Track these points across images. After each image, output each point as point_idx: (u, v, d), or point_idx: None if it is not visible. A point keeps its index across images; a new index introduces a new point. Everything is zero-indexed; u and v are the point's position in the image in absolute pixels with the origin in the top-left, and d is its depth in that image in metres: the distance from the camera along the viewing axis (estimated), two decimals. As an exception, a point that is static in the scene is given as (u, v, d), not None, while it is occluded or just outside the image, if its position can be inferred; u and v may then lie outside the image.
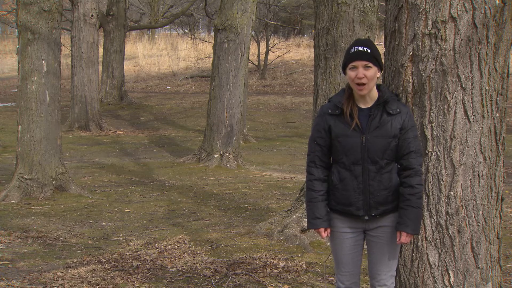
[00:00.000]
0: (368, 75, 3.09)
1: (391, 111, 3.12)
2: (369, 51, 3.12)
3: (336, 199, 3.22)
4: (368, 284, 3.43)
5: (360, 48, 3.13)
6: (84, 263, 5.29)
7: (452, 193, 3.20)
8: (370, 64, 3.10)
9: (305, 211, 5.94)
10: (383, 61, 3.36)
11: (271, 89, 23.54)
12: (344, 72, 3.20)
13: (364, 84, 3.09)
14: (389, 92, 3.21)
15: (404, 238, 3.14)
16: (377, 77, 3.17)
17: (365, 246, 3.37)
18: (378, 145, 3.10)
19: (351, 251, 3.28)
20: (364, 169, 3.13)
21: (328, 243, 3.40)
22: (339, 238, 3.28)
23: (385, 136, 3.10)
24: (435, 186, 3.22)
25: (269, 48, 25.51)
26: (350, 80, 3.14)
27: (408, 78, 3.25)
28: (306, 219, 3.37)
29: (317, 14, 6.07)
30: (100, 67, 17.55)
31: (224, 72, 11.09)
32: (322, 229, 3.25)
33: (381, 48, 3.24)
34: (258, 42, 24.98)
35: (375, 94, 3.17)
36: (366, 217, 3.19)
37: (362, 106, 3.17)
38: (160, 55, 30.52)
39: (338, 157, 3.18)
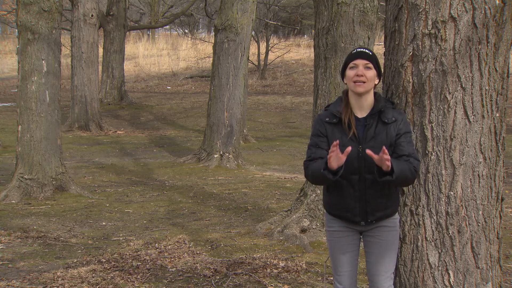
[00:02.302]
0: (368, 75, 3.09)
1: (386, 120, 3.11)
2: (370, 53, 3.16)
3: (333, 205, 3.22)
4: (367, 284, 3.42)
5: (362, 49, 3.19)
6: (84, 263, 5.29)
7: (452, 193, 3.20)
8: (371, 65, 3.11)
9: (305, 211, 5.99)
10: (383, 61, 3.36)
11: (271, 89, 23.54)
12: (343, 77, 3.20)
13: (362, 82, 3.09)
14: (385, 100, 3.21)
15: (385, 154, 2.91)
16: (375, 84, 3.16)
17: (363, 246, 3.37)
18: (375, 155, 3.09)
19: (348, 251, 3.29)
20: (361, 178, 3.12)
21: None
22: (336, 238, 3.28)
23: (381, 146, 3.08)
24: (435, 186, 3.22)
25: (269, 48, 25.51)
26: (348, 80, 3.14)
27: (408, 78, 3.25)
28: (323, 173, 3.05)
29: (317, 14, 6.07)
30: (100, 67, 17.55)
31: (224, 72, 11.09)
32: (336, 151, 2.95)
33: (381, 48, 3.24)
34: (258, 42, 24.97)
35: (371, 101, 3.17)
36: (363, 223, 3.20)
37: (359, 115, 3.16)
38: (160, 55, 30.52)
39: None
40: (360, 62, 3.11)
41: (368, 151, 2.96)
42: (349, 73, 3.13)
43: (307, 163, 3.21)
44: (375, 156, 2.94)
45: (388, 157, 2.93)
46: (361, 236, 3.31)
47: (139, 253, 5.56)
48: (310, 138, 3.27)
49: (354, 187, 3.14)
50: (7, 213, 7.20)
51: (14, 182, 8.06)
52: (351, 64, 3.13)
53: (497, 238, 3.34)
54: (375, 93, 3.20)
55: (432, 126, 3.21)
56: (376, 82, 3.17)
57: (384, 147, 2.93)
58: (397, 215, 3.25)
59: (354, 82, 3.10)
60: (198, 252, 5.63)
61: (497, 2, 3.14)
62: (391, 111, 3.15)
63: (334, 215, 3.25)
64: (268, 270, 5.04)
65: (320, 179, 3.13)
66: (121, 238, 6.19)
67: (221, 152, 11.09)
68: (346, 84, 3.19)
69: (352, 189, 3.14)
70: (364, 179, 3.12)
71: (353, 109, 3.17)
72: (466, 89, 3.16)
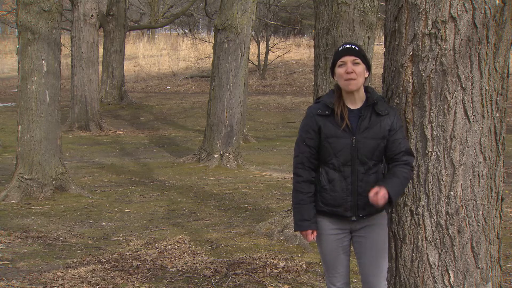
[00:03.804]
0: (357, 70, 3.11)
1: (380, 112, 3.14)
2: (356, 48, 3.17)
3: (324, 201, 3.20)
4: (360, 281, 3.42)
5: (347, 45, 3.19)
6: (84, 263, 5.29)
7: (452, 193, 3.20)
8: (358, 60, 3.13)
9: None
10: (383, 61, 3.36)
11: (271, 89, 23.54)
12: (333, 75, 3.22)
13: (353, 79, 3.10)
14: (377, 93, 3.24)
15: (381, 192, 3.03)
16: (366, 78, 3.18)
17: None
18: (368, 146, 3.12)
19: (339, 253, 3.28)
20: (354, 170, 3.13)
21: (307, 242, 3.40)
22: (327, 240, 3.27)
23: (375, 137, 3.12)
24: (435, 186, 3.22)
25: (269, 48, 25.51)
26: (339, 77, 3.16)
27: (408, 78, 3.25)
28: (293, 221, 3.33)
29: (317, 14, 6.07)
30: (100, 67, 17.56)
31: (224, 72, 11.09)
32: (309, 231, 3.24)
33: (381, 48, 3.24)
34: (258, 42, 24.97)
35: (363, 94, 3.19)
36: (354, 218, 3.19)
37: (351, 107, 3.18)
38: (160, 55, 30.52)
39: (327, 158, 3.18)
40: (348, 59, 3.12)
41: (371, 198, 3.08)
42: (339, 71, 3.15)
43: (296, 171, 3.26)
44: (371, 196, 3.07)
45: (378, 195, 3.03)
46: (351, 237, 3.30)
47: (139, 253, 5.56)
48: (299, 132, 3.28)
49: (347, 179, 3.14)
50: (7, 213, 7.20)
51: (14, 182, 8.06)
52: (339, 62, 3.15)
53: (497, 238, 3.35)
54: (367, 87, 3.22)
55: (432, 126, 3.21)
56: (366, 76, 3.18)
57: (375, 190, 3.05)
58: (384, 212, 3.26)
59: (345, 80, 3.12)
60: (198, 252, 5.63)
61: (497, 2, 3.14)
62: (384, 104, 3.19)
63: (324, 213, 3.23)
64: (268, 270, 5.04)
65: (294, 208, 3.30)
66: (121, 238, 6.19)
67: (221, 152, 11.09)
68: (337, 81, 3.21)
69: (344, 181, 3.15)
70: (356, 171, 3.13)
71: (345, 101, 3.19)
72: (466, 89, 3.16)
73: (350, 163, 3.13)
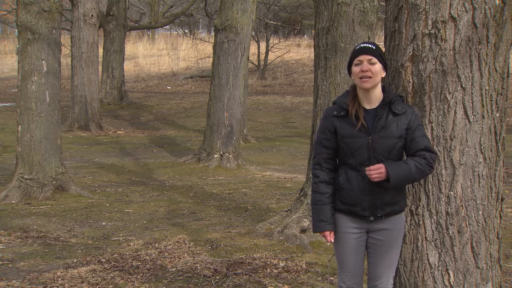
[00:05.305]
0: (373, 69, 3.10)
1: (396, 111, 3.12)
2: (373, 47, 3.16)
3: (342, 199, 3.21)
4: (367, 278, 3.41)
5: (364, 44, 3.18)
6: (84, 263, 5.29)
7: (452, 193, 3.20)
8: (375, 60, 3.12)
9: (305, 211, 5.98)
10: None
11: (271, 89, 23.54)
12: (350, 73, 3.22)
13: (369, 77, 3.09)
14: (394, 93, 3.22)
15: (377, 166, 3.05)
16: (382, 77, 3.17)
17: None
18: (384, 146, 3.11)
19: (354, 252, 3.28)
20: None
21: (328, 243, 3.38)
22: (343, 238, 3.27)
23: (391, 136, 3.11)
24: (435, 186, 3.22)
25: (269, 48, 25.51)
26: (355, 76, 3.15)
27: (408, 78, 3.25)
28: (312, 222, 3.35)
29: (317, 14, 6.07)
30: (100, 67, 17.56)
31: (224, 72, 11.09)
32: (327, 233, 3.25)
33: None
34: (258, 42, 24.98)
35: (380, 94, 3.17)
36: (372, 218, 3.18)
37: (367, 106, 3.17)
38: (160, 55, 30.52)
39: (345, 158, 3.19)
40: (364, 58, 3.12)
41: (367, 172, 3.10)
42: (355, 69, 3.15)
43: (314, 172, 3.28)
44: (366, 170, 3.10)
45: (372, 168, 3.06)
46: (367, 237, 3.30)
47: (139, 253, 5.56)
48: (317, 134, 3.32)
49: (364, 179, 3.14)
50: (7, 213, 7.20)
51: (14, 182, 8.06)
52: (355, 61, 3.15)
53: (497, 238, 3.35)
54: (383, 86, 3.21)
55: (432, 126, 3.21)
56: (383, 75, 3.17)
57: (370, 168, 3.07)
58: (403, 215, 3.25)
59: (360, 78, 3.11)
60: (198, 252, 5.63)
61: (497, 2, 3.14)
62: (400, 103, 3.16)
63: (342, 212, 3.24)
64: (268, 270, 5.04)
65: (312, 208, 3.32)
66: (121, 238, 6.19)
67: (221, 152, 11.09)
68: (353, 79, 3.21)
69: (362, 181, 3.14)
70: None
71: (361, 102, 3.18)
72: (466, 89, 3.16)
73: (367, 162, 3.12)
